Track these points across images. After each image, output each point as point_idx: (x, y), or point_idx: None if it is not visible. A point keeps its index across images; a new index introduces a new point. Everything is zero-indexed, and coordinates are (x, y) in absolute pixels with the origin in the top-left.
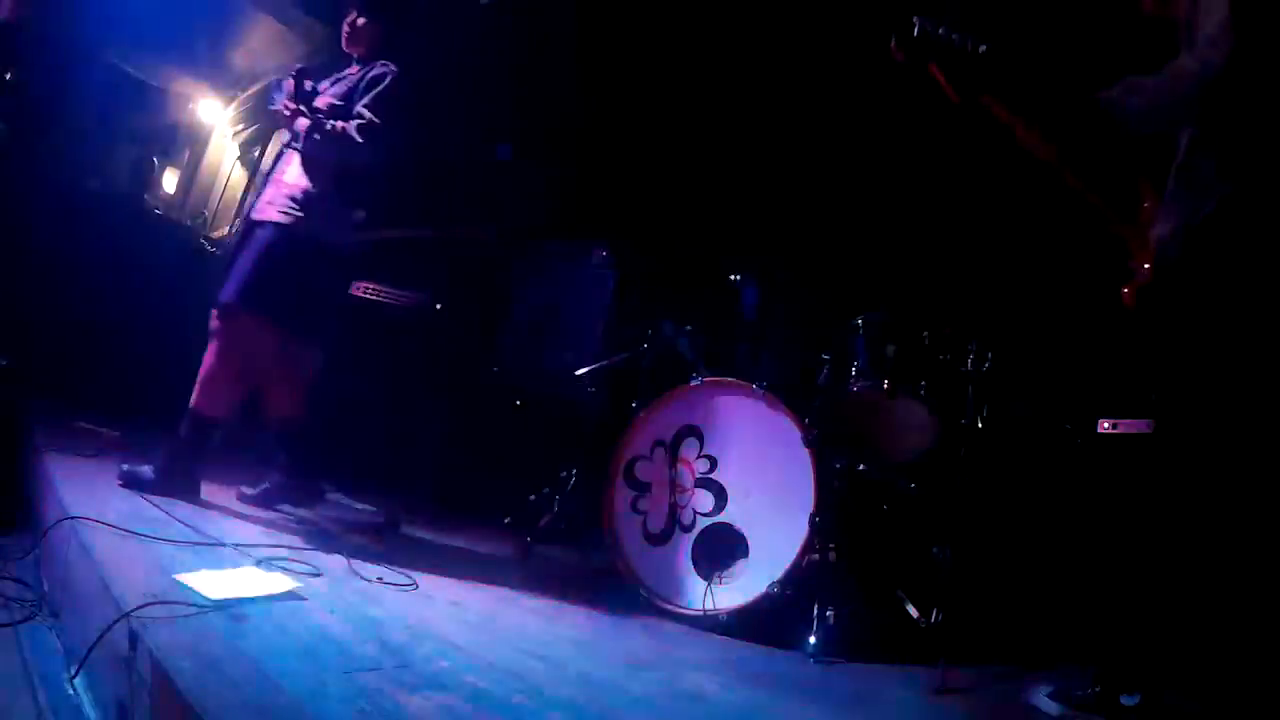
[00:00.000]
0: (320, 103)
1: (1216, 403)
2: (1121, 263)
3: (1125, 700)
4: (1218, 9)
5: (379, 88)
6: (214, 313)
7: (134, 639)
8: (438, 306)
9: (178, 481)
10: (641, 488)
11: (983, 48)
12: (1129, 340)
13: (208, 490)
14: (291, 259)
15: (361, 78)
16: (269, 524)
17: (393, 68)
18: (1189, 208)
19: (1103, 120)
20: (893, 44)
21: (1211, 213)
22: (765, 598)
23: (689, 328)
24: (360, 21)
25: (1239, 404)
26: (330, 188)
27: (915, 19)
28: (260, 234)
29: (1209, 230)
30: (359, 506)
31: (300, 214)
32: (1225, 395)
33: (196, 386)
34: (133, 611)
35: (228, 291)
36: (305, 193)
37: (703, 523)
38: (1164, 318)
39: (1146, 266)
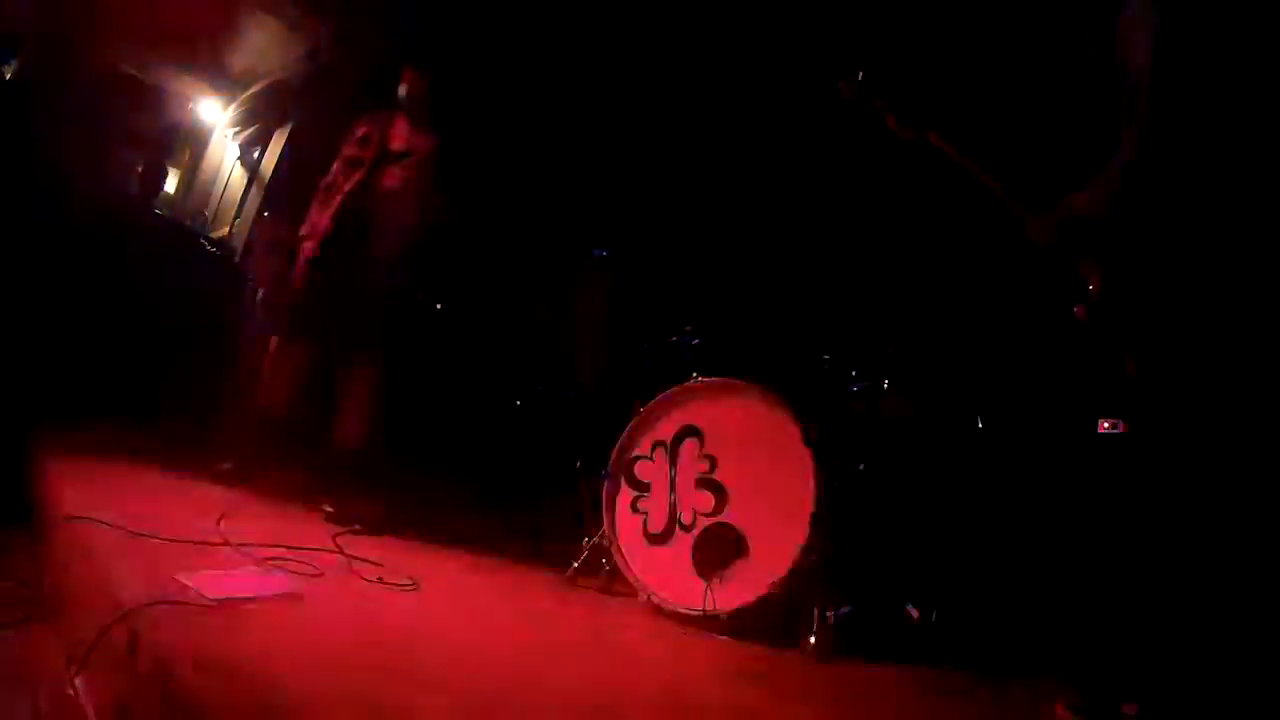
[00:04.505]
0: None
1: (1181, 407)
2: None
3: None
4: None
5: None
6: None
7: (134, 639)
8: (437, 306)
9: None
10: (641, 488)
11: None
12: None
13: (207, 490)
14: None
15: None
16: (269, 524)
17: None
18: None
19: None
20: (841, 85)
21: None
22: (765, 598)
23: (689, 328)
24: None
25: (1207, 406)
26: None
27: (860, 71)
28: None
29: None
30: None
31: None
32: (1190, 398)
33: None
34: (133, 611)
35: None
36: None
37: (703, 523)
38: (1118, 329)
39: (1092, 287)
